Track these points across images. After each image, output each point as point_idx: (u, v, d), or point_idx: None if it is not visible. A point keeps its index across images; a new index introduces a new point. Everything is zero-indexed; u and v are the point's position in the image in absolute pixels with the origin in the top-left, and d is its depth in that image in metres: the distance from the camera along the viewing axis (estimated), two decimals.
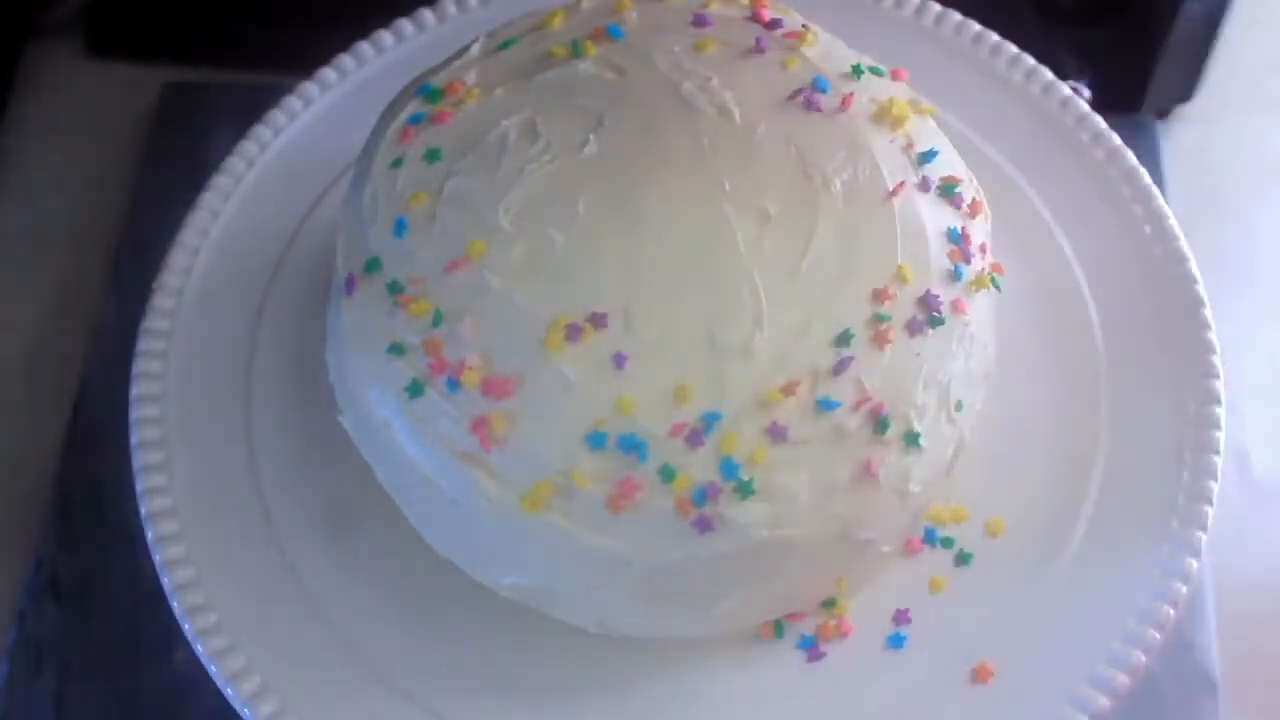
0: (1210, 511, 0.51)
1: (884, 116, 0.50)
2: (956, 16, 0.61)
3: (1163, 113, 0.68)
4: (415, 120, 0.50)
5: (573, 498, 0.45)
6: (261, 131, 0.60)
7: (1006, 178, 0.58)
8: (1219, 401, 0.53)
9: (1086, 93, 0.62)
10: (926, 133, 0.51)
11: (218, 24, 0.71)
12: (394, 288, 0.48)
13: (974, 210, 0.50)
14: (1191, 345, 0.54)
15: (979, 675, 0.49)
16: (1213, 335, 0.55)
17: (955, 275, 0.48)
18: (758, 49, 0.51)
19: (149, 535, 0.51)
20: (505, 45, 0.52)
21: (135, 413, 0.53)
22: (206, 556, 0.51)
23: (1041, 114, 0.60)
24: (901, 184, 0.49)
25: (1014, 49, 0.61)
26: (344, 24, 0.62)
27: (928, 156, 0.50)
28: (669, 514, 0.45)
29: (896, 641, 0.50)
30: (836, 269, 0.47)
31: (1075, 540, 0.52)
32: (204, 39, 0.71)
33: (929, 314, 0.47)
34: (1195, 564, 0.50)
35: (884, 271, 0.47)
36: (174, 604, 0.50)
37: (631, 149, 0.48)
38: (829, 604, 0.50)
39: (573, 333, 0.45)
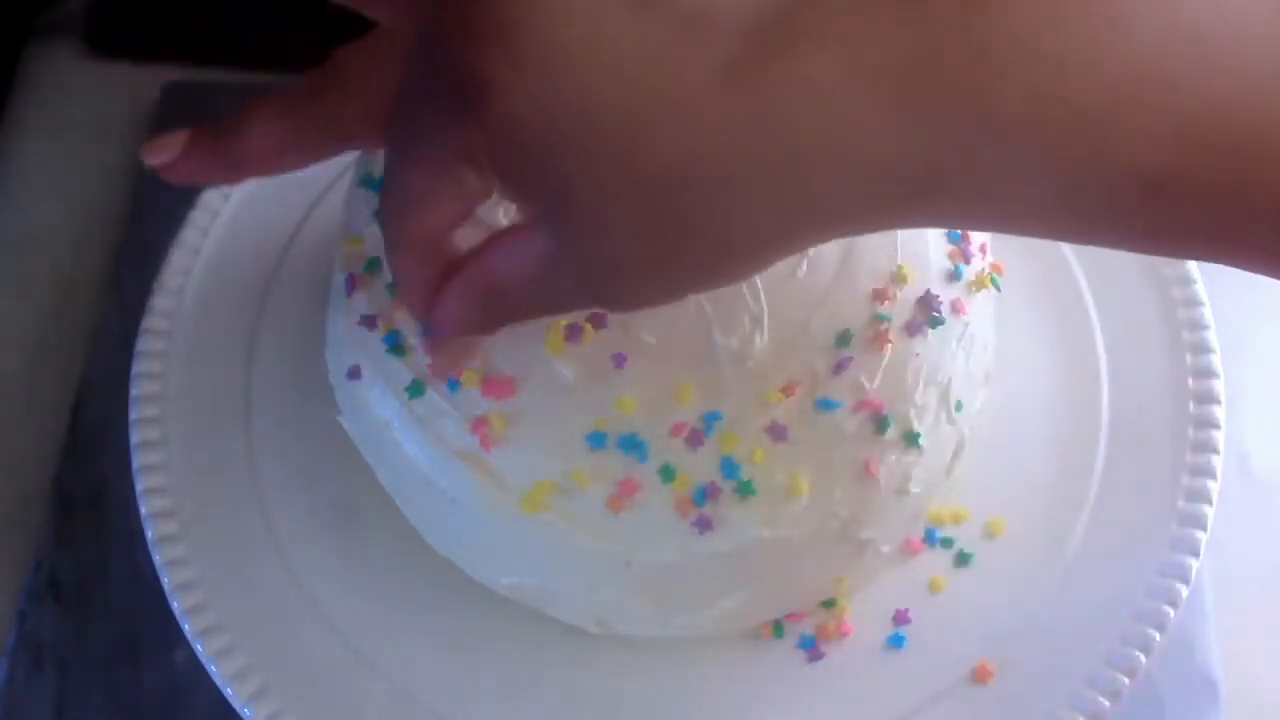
0: (1210, 511, 0.51)
1: None
2: None
3: None
4: None
5: (573, 498, 0.45)
6: None
7: None
8: (1219, 401, 0.53)
9: None
10: None
11: (218, 24, 0.71)
12: (394, 288, 0.48)
13: None
14: (1191, 345, 0.54)
15: (979, 675, 0.49)
16: (1213, 335, 0.55)
17: (955, 275, 0.48)
18: None
19: (149, 535, 0.51)
20: None
21: (135, 413, 0.53)
22: (206, 556, 0.51)
23: None
24: None
25: None
26: (344, 24, 0.62)
27: None
28: (669, 514, 0.45)
29: (896, 641, 0.50)
30: (836, 269, 0.47)
31: (1075, 540, 0.52)
32: (204, 39, 0.71)
33: (929, 314, 0.47)
34: (1195, 564, 0.50)
35: (884, 271, 0.47)
36: (174, 604, 0.50)
37: None
38: (829, 604, 0.50)
39: (572, 333, 0.45)
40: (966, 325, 0.48)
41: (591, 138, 0.35)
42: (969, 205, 0.36)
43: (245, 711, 0.48)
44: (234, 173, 0.42)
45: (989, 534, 0.52)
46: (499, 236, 0.39)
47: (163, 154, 0.42)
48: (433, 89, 0.37)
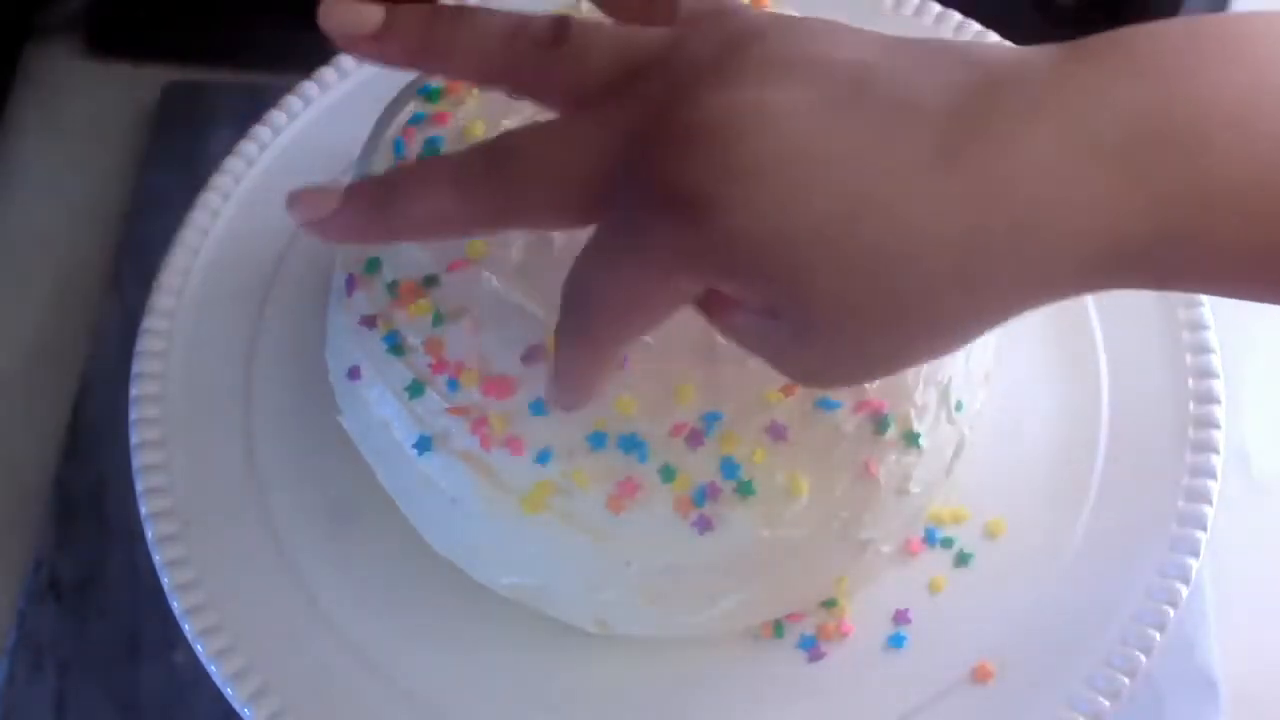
0: (1210, 511, 0.51)
1: None
2: (956, 16, 0.61)
3: None
4: (415, 120, 0.50)
5: (573, 498, 0.45)
6: (261, 131, 0.60)
7: None
8: (1219, 401, 0.53)
9: None
10: None
11: (218, 24, 0.71)
12: (394, 288, 0.48)
13: None
14: (1191, 345, 0.54)
15: (979, 675, 0.49)
16: (1213, 335, 0.55)
17: None
18: None
19: (149, 535, 0.51)
20: None
21: (135, 413, 0.53)
22: (206, 556, 0.51)
23: None
24: None
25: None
26: None
27: None
28: (669, 514, 0.45)
29: (896, 641, 0.50)
30: None
31: (1075, 540, 0.52)
32: (204, 39, 0.71)
33: None
34: (1195, 564, 0.50)
35: None
36: (174, 604, 0.50)
37: None
38: (829, 604, 0.50)
39: None
40: None
41: (810, 235, 0.35)
42: (1175, 273, 0.36)
43: (245, 711, 0.48)
44: (390, 236, 0.41)
45: (989, 534, 0.52)
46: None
47: (312, 209, 0.39)
48: (644, 202, 0.37)
